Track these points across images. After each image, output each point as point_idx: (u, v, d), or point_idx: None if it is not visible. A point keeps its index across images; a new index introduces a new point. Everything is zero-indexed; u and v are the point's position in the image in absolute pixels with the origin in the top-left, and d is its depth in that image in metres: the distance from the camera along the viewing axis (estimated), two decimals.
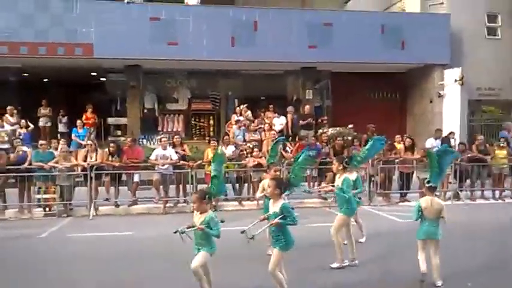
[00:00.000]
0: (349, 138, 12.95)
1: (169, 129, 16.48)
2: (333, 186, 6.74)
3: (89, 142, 10.91)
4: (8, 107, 13.93)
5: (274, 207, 4.91)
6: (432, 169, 5.89)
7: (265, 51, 14.69)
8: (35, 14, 13.87)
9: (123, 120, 16.21)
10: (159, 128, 16.51)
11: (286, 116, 15.19)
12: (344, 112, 16.39)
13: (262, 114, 15.29)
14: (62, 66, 15.01)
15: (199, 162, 10.93)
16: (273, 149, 7.46)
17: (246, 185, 11.31)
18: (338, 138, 12.23)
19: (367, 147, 7.30)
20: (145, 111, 16.51)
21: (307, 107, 15.44)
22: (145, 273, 6.04)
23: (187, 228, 4.81)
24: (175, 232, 4.76)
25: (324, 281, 5.76)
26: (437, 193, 11.81)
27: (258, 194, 6.88)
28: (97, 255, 6.96)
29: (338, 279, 5.85)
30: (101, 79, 17.33)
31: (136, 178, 10.88)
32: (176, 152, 10.91)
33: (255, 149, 11.54)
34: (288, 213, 4.79)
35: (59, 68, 15.27)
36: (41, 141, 10.68)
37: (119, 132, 16.35)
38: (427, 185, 5.72)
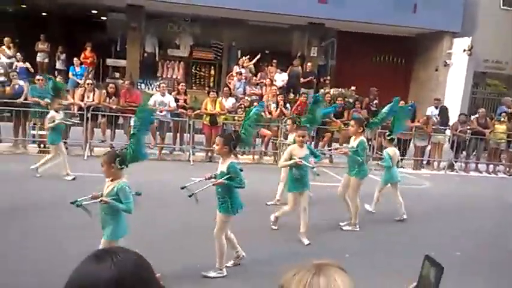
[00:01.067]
0: (351, 100, 12.79)
1: (168, 76, 16.18)
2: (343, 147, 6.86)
3: (88, 81, 10.68)
4: (6, 39, 13.50)
5: (222, 166, 4.49)
6: (398, 126, 7.03)
7: (274, 1, 14.17)
8: None
9: (122, 62, 15.84)
10: (159, 74, 16.19)
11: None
12: (347, 73, 16.12)
13: (265, 68, 15.00)
14: (62, 0, 14.45)
15: (197, 111, 10.81)
16: (249, 118, 5.59)
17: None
18: (339, 99, 12.08)
19: (384, 110, 7.27)
20: (145, 55, 16.12)
21: (309, 64, 15.10)
22: (138, 218, 6.09)
23: (92, 198, 3.90)
24: (72, 203, 3.86)
25: (331, 243, 5.86)
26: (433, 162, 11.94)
27: (282, 162, 5.86)
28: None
29: (345, 242, 5.96)
30: (102, 18, 16.78)
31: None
32: (176, 100, 10.76)
33: (254, 103, 11.37)
34: (235, 173, 4.35)
35: (59, 2, 14.71)
36: (38, 76, 10.43)
37: (117, 75, 16.01)
38: (388, 138, 7.00)
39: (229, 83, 13.65)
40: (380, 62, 17.53)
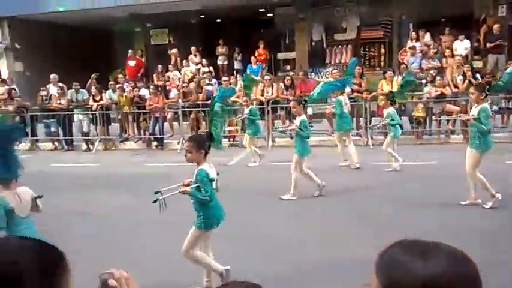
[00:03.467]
0: None
1: (337, 61, 16.06)
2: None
3: (266, 77, 11.35)
4: (192, 48, 15.27)
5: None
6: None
7: None
8: None
9: (291, 55, 16.38)
10: (327, 61, 16.21)
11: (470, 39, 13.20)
12: None
13: (439, 38, 13.69)
14: (233, 5, 15.60)
15: (373, 94, 10.49)
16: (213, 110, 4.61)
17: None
18: None
19: (508, 71, 6.48)
20: (312, 44, 16.32)
21: (496, 26, 13.07)
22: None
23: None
24: None
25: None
26: None
27: None
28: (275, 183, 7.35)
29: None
30: (269, 14, 17.58)
31: (309, 111, 10.99)
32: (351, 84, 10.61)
33: (438, 78, 10.45)
34: (201, 182, 3.61)
35: (230, 7, 15.93)
36: (224, 78, 11.54)
37: (288, 67, 16.62)
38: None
39: (403, 60, 12.87)
40: None
